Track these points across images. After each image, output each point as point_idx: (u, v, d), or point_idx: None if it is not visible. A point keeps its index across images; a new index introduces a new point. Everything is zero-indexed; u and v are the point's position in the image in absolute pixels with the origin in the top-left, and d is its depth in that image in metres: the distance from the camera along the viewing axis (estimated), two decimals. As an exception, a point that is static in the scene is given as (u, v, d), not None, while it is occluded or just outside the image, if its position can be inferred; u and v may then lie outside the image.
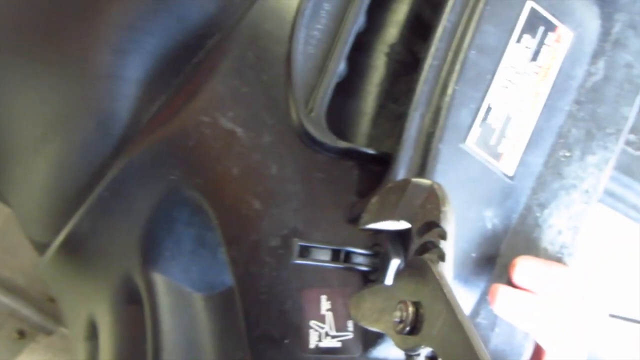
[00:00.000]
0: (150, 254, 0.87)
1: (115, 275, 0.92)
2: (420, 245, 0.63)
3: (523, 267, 0.72)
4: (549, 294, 0.72)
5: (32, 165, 0.95)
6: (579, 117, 0.77)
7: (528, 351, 0.76)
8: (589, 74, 0.78)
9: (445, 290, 0.57)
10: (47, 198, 0.96)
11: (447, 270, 0.60)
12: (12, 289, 1.63)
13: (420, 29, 0.80)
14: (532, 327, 0.72)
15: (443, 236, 0.61)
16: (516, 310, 0.71)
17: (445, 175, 0.71)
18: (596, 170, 0.77)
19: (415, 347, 0.59)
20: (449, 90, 0.72)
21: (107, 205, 0.89)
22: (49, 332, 1.71)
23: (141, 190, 0.86)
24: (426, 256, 0.62)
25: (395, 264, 0.69)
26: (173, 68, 0.84)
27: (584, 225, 0.77)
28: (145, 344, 0.89)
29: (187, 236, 0.86)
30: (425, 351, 0.59)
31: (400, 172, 0.71)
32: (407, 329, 0.59)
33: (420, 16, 0.82)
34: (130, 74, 0.84)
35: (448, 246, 0.61)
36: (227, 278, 0.86)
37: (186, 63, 0.84)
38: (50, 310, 1.70)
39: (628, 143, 0.85)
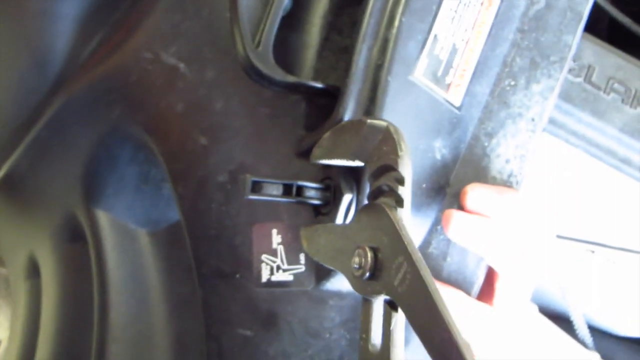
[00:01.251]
0: (92, 191, 0.86)
1: (57, 213, 0.91)
2: (375, 187, 0.63)
3: (475, 194, 0.73)
4: (501, 218, 0.73)
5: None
6: (523, 46, 0.78)
7: (480, 279, 0.77)
8: (532, 2, 0.79)
9: (405, 241, 0.58)
10: (-19, 136, 0.94)
11: (406, 217, 0.60)
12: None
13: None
14: (487, 251, 0.73)
15: (401, 181, 0.61)
16: (470, 235, 0.72)
17: (395, 107, 0.71)
18: (541, 99, 0.77)
19: (375, 295, 0.59)
20: (396, 22, 0.71)
21: (46, 144, 0.87)
22: (-18, 274, 1.70)
23: (81, 128, 0.85)
24: (382, 200, 0.62)
25: (347, 199, 0.70)
26: (111, 3, 0.83)
27: (530, 154, 0.77)
28: (90, 281, 0.88)
29: (130, 173, 0.86)
30: (383, 296, 0.59)
31: (350, 104, 0.71)
32: (367, 275, 0.60)
33: (362, -53, 0.81)
34: (66, 11, 0.82)
35: (406, 192, 0.61)
36: (172, 214, 0.86)
37: (125, -2, 0.82)
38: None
39: (568, 70, 0.85)
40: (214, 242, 0.78)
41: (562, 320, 0.85)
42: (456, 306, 0.73)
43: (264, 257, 0.76)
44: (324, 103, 0.75)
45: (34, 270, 1.00)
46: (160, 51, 0.79)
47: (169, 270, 0.87)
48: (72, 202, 0.90)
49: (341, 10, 0.81)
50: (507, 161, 0.77)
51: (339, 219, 0.69)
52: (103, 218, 0.88)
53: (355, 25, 0.73)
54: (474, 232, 0.72)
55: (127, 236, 0.88)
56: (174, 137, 0.80)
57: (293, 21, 0.79)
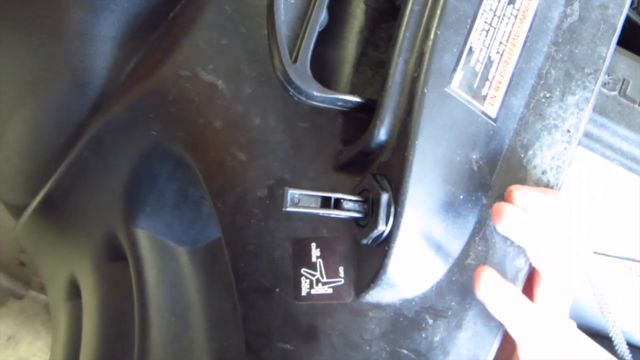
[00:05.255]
0: (132, 210, 0.88)
1: (97, 233, 0.92)
2: None
3: (521, 193, 0.73)
4: (547, 218, 0.73)
5: (7, 128, 0.94)
6: (558, 58, 0.78)
7: (519, 289, 0.77)
8: (565, 15, 0.79)
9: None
10: (23, 160, 0.95)
11: None
12: (-19, 255, 1.63)
13: (397, -23, 0.80)
14: (533, 247, 0.73)
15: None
16: (520, 229, 0.72)
17: (431, 119, 0.71)
18: (577, 110, 0.78)
19: None
20: (431, 35, 0.72)
21: (87, 164, 0.89)
22: (19, 297, 1.71)
23: (121, 147, 0.86)
24: None
25: (385, 200, 0.70)
26: (149, 23, 0.84)
27: (566, 165, 0.77)
28: (131, 301, 0.89)
29: (170, 191, 0.87)
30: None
31: (386, 117, 0.71)
32: None
33: (396, -36, 0.82)
34: (105, 32, 0.84)
35: None
36: (211, 231, 0.87)
37: (163, 18, 0.84)
38: (20, 275, 1.69)
39: (602, 84, 0.85)
40: (253, 257, 0.79)
41: (601, 338, 0.85)
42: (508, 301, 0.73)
43: (303, 270, 0.76)
44: (361, 117, 0.76)
45: (74, 292, 1.02)
46: (198, 69, 0.80)
47: (208, 287, 0.88)
48: (113, 221, 0.91)
49: (377, 26, 0.82)
50: (544, 172, 0.77)
51: (381, 225, 0.70)
52: (143, 237, 0.89)
53: (391, 40, 0.74)
54: (524, 226, 0.72)
55: (166, 254, 0.89)
56: (212, 154, 0.81)
57: (329, 37, 0.79)
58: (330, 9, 0.77)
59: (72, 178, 0.92)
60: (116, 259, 0.93)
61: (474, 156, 0.74)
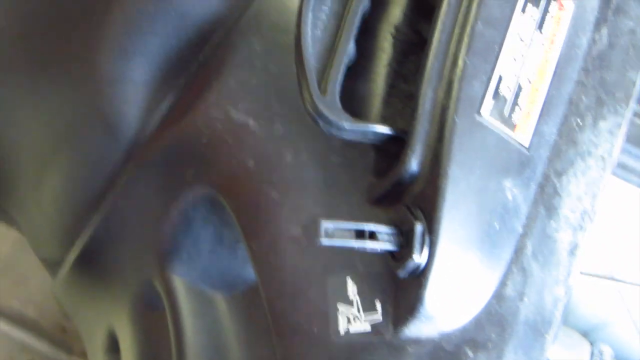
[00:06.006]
0: (168, 257, 0.87)
1: (134, 283, 0.92)
2: None
3: None
4: None
5: (41, 180, 0.95)
6: (588, 85, 0.78)
7: (558, 320, 0.76)
8: (594, 41, 0.79)
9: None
10: (58, 212, 0.96)
11: None
12: (23, 322, 1.63)
13: (423, 9, 0.80)
14: None
15: None
16: None
17: (463, 147, 0.71)
18: (609, 136, 0.77)
19: None
20: (459, 62, 0.72)
21: (121, 213, 0.89)
22: (62, 364, 1.71)
23: (155, 193, 0.86)
24: None
25: (419, 229, 0.69)
26: (180, 66, 0.84)
27: (601, 191, 0.77)
28: (169, 349, 0.89)
29: (205, 235, 0.87)
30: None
31: (417, 146, 0.71)
32: None
33: (422, -4, 0.83)
34: (136, 76, 0.84)
35: None
36: (248, 275, 0.86)
37: (193, 60, 0.84)
38: (62, 342, 1.69)
39: (635, 114, 0.85)
40: (289, 297, 0.78)
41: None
42: None
43: (340, 307, 0.75)
44: (393, 150, 0.76)
45: (113, 346, 1.01)
46: (229, 109, 0.80)
47: (246, 333, 0.87)
48: (149, 269, 0.90)
49: (405, 58, 0.82)
50: (579, 199, 0.76)
51: (416, 256, 0.69)
52: (179, 284, 0.88)
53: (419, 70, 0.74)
54: None
55: (204, 301, 0.89)
56: (245, 194, 0.80)
57: (358, 71, 0.80)
58: (358, 43, 0.77)
59: (107, 228, 0.92)
60: (153, 308, 0.92)
61: (508, 184, 0.73)
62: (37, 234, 1.04)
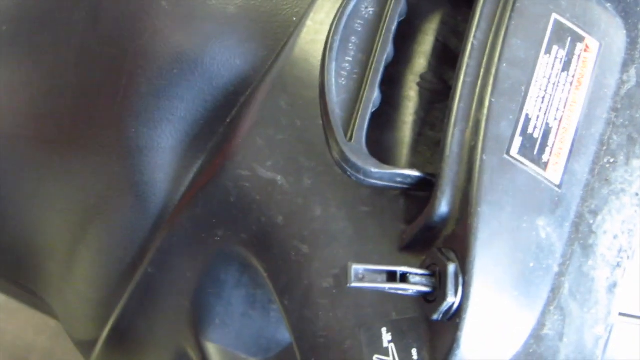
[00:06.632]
0: (201, 323, 0.87)
1: (168, 353, 0.91)
2: None
3: None
4: None
5: (72, 258, 0.94)
6: (618, 124, 0.77)
7: (599, 358, 0.74)
8: (622, 82, 0.78)
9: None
10: (91, 289, 0.95)
11: None
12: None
13: (448, 57, 0.80)
14: None
15: None
16: None
17: (493, 186, 0.70)
18: (643, 173, 0.77)
19: None
20: (486, 103, 0.72)
21: (152, 282, 0.89)
22: None
23: (185, 258, 0.86)
24: None
25: (452, 270, 0.68)
26: (207, 130, 0.85)
27: (638, 228, 0.76)
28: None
29: (237, 298, 0.86)
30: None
31: (447, 188, 0.70)
32: None
33: (446, 45, 0.83)
34: (164, 143, 0.84)
35: None
36: (282, 337, 0.85)
37: (220, 123, 0.84)
38: None
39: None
40: (324, 351, 0.77)
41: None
42: None
43: (375, 357, 0.74)
44: (422, 196, 0.75)
45: None
46: (257, 167, 0.80)
47: (282, 396, 0.86)
48: (182, 337, 0.90)
49: (432, 106, 0.82)
50: (615, 237, 0.75)
51: (450, 297, 0.68)
52: (213, 350, 0.88)
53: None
54: None
55: (238, 367, 0.88)
56: (276, 250, 0.80)
57: (385, 121, 0.80)
58: (384, 93, 0.77)
59: (140, 299, 0.91)
60: (188, 379, 0.91)
61: (541, 223, 0.72)
62: (71, 315, 1.04)
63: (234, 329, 0.88)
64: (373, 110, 0.75)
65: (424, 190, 0.74)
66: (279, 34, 0.83)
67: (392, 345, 0.74)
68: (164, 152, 0.85)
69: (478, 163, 0.70)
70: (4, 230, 1.01)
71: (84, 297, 0.98)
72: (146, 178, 0.86)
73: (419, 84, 0.83)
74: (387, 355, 0.74)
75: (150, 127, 0.84)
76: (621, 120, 0.77)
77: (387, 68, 0.77)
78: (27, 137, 0.93)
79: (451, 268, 0.68)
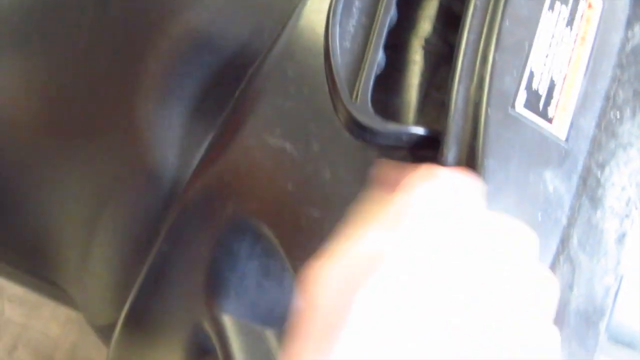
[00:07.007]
0: (216, 296, 0.87)
1: (184, 329, 0.92)
2: None
3: None
4: None
5: (89, 243, 0.95)
6: (624, 80, 0.78)
7: (610, 308, 0.74)
8: (627, 38, 0.79)
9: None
10: (108, 271, 0.96)
11: None
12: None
13: (452, 21, 0.81)
14: None
15: None
16: None
17: (498, 140, 0.70)
18: (650, 127, 0.77)
19: None
20: (490, 58, 0.72)
21: (167, 259, 0.89)
22: None
23: (199, 233, 0.87)
24: None
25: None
26: (217, 104, 0.85)
27: (646, 181, 0.76)
28: (223, 392, 0.88)
29: (251, 270, 0.87)
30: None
31: (453, 144, 0.71)
32: None
33: (450, 9, 0.83)
34: (174, 120, 0.85)
35: None
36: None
37: (229, 97, 0.85)
38: None
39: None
40: None
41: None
42: None
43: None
44: (430, 156, 0.75)
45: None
46: (266, 136, 0.81)
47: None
48: (198, 312, 0.90)
49: (437, 68, 0.82)
50: (623, 189, 0.75)
51: None
52: (229, 322, 0.88)
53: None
54: None
55: (254, 338, 0.88)
56: (287, 217, 0.81)
57: (391, 84, 0.80)
58: (389, 57, 0.77)
59: (155, 277, 0.92)
60: (205, 352, 0.92)
61: (548, 176, 0.72)
62: (90, 301, 1.04)
63: (249, 300, 0.88)
64: (378, 73, 0.76)
65: (431, 150, 0.75)
66: (285, 5, 0.83)
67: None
68: (174, 129, 0.86)
69: (483, 118, 0.70)
70: (21, 222, 1.02)
71: (102, 281, 0.99)
72: (157, 156, 0.87)
73: (424, 48, 0.83)
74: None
75: (160, 104, 0.85)
76: (627, 76, 0.78)
77: (392, 33, 0.78)
78: (40, 125, 0.94)
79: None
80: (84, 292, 1.04)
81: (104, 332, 1.06)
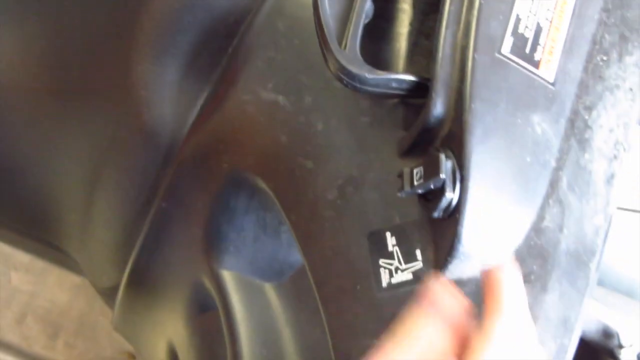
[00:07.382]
0: (215, 251, 0.88)
1: (185, 286, 0.93)
2: None
3: None
4: None
5: (89, 204, 0.96)
6: (610, 23, 0.78)
7: (601, 248, 0.75)
8: None
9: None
10: (109, 232, 0.97)
11: None
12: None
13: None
14: None
15: None
16: None
17: (485, 84, 0.71)
18: (636, 69, 0.77)
19: None
20: (476, 4, 0.73)
21: (167, 216, 0.90)
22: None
23: (196, 189, 0.88)
24: None
25: (449, 165, 0.69)
26: (211, 62, 0.86)
27: (633, 122, 0.76)
28: (224, 347, 0.89)
29: (248, 224, 0.88)
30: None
31: (441, 89, 0.71)
32: None
33: (437, -43, 0.84)
34: (169, 77, 0.86)
35: None
36: (294, 260, 0.86)
37: (223, 54, 0.86)
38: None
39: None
40: (331, 261, 0.78)
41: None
42: None
43: (381, 262, 0.75)
44: (420, 103, 0.76)
45: (173, 358, 1.01)
46: (259, 89, 0.82)
47: (297, 317, 0.87)
48: (198, 268, 0.91)
49: (426, 17, 0.83)
50: (611, 130, 0.76)
51: (448, 192, 0.69)
52: (228, 277, 0.89)
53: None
54: None
55: (253, 292, 0.89)
56: (281, 169, 0.81)
57: (381, 33, 0.81)
58: (379, 8, 0.78)
59: (155, 235, 0.93)
60: (206, 309, 0.93)
61: (536, 119, 0.73)
62: (94, 264, 1.06)
63: (247, 254, 0.89)
64: (367, 22, 0.77)
65: (420, 96, 0.75)
66: (274, -39, 0.84)
67: (396, 248, 0.75)
68: (169, 87, 0.87)
69: (470, 62, 0.71)
70: (24, 185, 1.03)
71: (104, 242, 1.00)
72: (154, 114, 0.88)
73: (412, -3, 0.84)
74: (392, 258, 0.75)
75: (155, 63, 0.86)
76: (613, 20, 0.78)
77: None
78: (39, 89, 0.95)
79: (448, 164, 0.69)
80: (87, 254, 1.06)
81: (109, 295, 1.08)
